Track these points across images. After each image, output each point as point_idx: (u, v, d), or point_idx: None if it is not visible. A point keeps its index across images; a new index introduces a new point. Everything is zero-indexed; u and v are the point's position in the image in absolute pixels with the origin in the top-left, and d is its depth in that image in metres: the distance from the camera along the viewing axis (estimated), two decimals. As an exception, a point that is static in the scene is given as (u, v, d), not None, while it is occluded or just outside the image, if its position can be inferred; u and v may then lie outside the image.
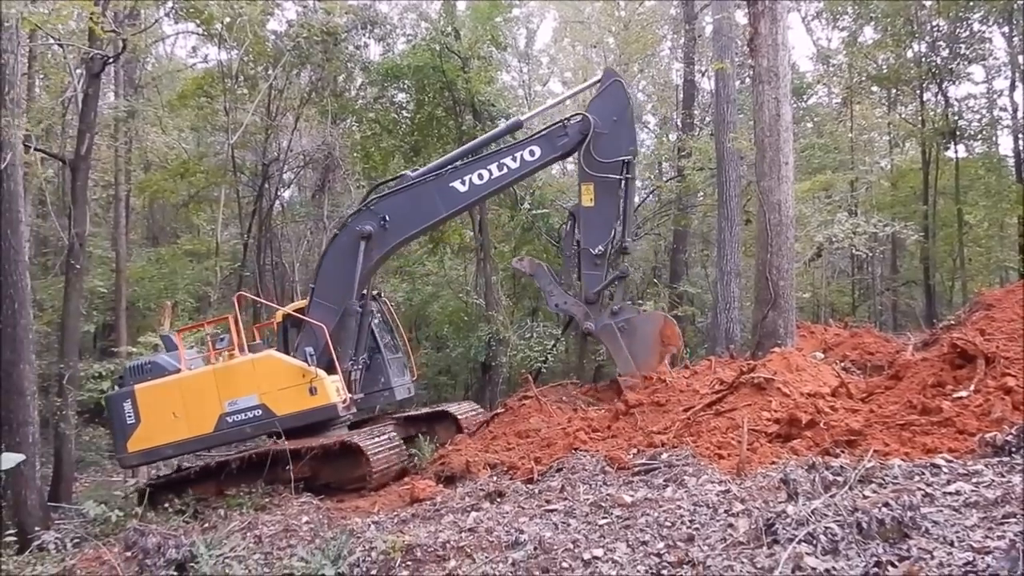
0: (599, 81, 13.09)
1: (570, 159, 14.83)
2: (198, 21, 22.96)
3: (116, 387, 13.92)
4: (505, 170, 12.44)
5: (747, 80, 21.18)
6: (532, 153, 12.47)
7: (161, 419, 12.05)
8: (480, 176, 12.41)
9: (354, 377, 12.86)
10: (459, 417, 13.30)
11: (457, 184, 12.43)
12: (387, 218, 12.41)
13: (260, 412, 11.68)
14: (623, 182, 12.43)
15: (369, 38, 24.87)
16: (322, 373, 11.59)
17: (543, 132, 12.81)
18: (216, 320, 14.67)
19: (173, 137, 28.67)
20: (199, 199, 29.19)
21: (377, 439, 11.47)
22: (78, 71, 19.53)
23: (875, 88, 28.20)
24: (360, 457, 10.98)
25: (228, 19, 21.57)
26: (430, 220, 12.87)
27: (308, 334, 12.42)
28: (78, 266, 16.90)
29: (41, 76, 23.88)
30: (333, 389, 11.61)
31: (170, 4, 22.37)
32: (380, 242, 12.52)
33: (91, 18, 15.44)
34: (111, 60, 17.55)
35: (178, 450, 12.44)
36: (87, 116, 16.93)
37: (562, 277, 13.58)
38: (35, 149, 17.53)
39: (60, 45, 19.18)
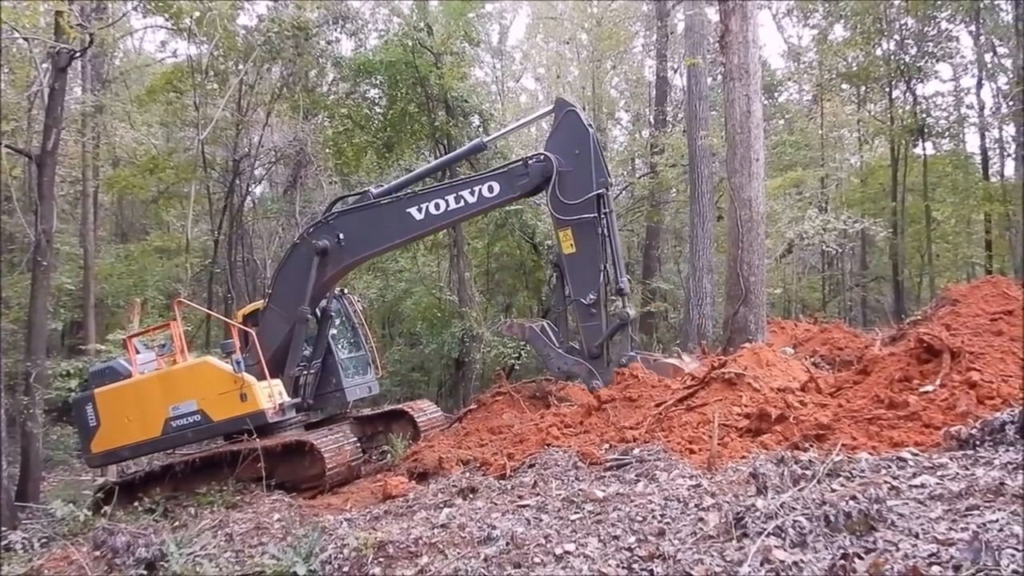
0: (552, 111, 12.26)
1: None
2: (167, 15, 22.75)
3: (82, 390, 14.06)
4: (462, 203, 11.86)
5: (719, 77, 21.32)
6: (491, 189, 11.82)
7: (118, 422, 12.34)
8: (437, 206, 11.86)
9: (303, 382, 12.83)
10: (416, 416, 13.26)
11: (414, 211, 11.94)
12: (342, 236, 12.10)
13: (199, 417, 11.83)
14: (603, 218, 11.59)
15: (341, 33, 24.79)
16: (251, 379, 11.57)
17: (503, 169, 12.20)
18: (160, 327, 14.61)
19: (142, 132, 28.31)
20: (169, 195, 28.94)
21: (331, 438, 11.48)
22: (44, 65, 19.24)
23: (845, 85, 28.50)
24: (314, 456, 10.99)
25: (197, 13, 21.37)
26: (384, 244, 12.57)
27: (256, 340, 12.36)
28: (45, 263, 16.69)
29: (6, 71, 23.51)
30: (264, 395, 11.59)
31: (138, -2, 22.16)
32: (335, 259, 12.24)
33: (58, 16, 15.24)
34: (78, 54, 17.28)
35: (133, 452, 12.78)
36: (54, 111, 16.71)
37: (560, 333, 12.72)
38: (1, 145, 17.28)
39: (25, 39, 18.89)
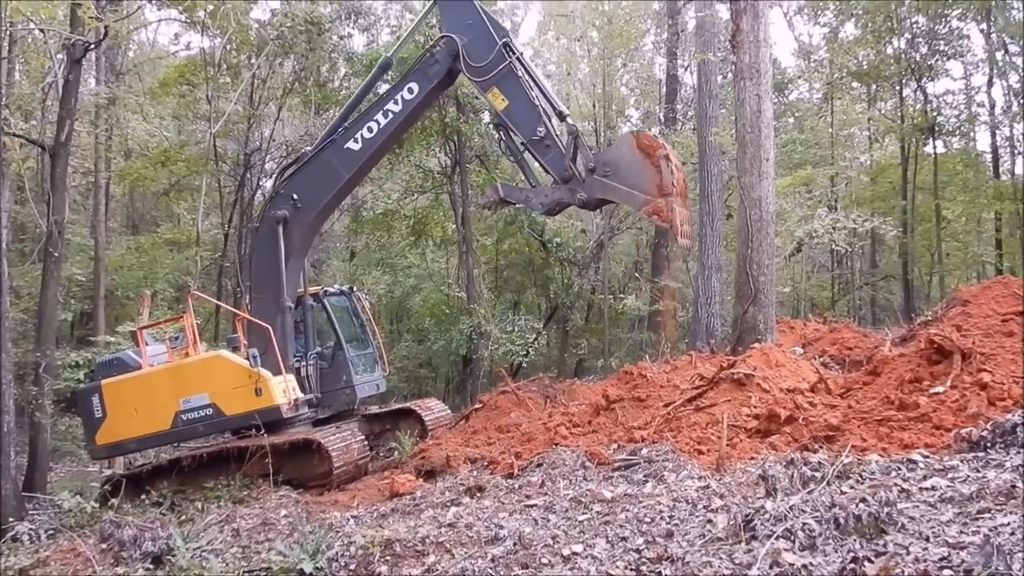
0: (434, 1, 12.55)
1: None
2: (181, 8, 22.76)
3: (88, 381, 14.05)
4: (390, 116, 12.05)
5: (729, 75, 21.24)
6: (411, 91, 12.01)
7: (125, 414, 12.27)
8: (369, 129, 12.09)
9: (305, 374, 12.80)
10: (423, 415, 13.26)
11: (351, 144, 12.17)
12: (296, 196, 12.31)
13: (211, 411, 11.78)
14: (515, 63, 11.61)
15: (353, 28, 24.80)
16: (267, 374, 11.52)
17: (414, 67, 12.39)
18: (171, 319, 14.59)
19: (154, 125, 28.40)
20: (180, 188, 28.93)
21: (338, 436, 11.47)
22: (59, 56, 19.28)
23: (855, 84, 28.37)
24: (321, 455, 10.97)
25: (211, 7, 21.41)
26: (335, 186, 12.59)
27: (255, 334, 12.29)
28: (56, 253, 16.72)
29: (21, 61, 23.58)
30: (279, 390, 11.55)
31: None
32: (297, 222, 12.40)
33: (74, 7, 15.27)
34: (93, 46, 17.31)
35: (140, 445, 12.75)
36: (67, 102, 16.72)
37: (529, 180, 12.66)
38: (14, 135, 17.33)
39: (41, 30, 18.94)
